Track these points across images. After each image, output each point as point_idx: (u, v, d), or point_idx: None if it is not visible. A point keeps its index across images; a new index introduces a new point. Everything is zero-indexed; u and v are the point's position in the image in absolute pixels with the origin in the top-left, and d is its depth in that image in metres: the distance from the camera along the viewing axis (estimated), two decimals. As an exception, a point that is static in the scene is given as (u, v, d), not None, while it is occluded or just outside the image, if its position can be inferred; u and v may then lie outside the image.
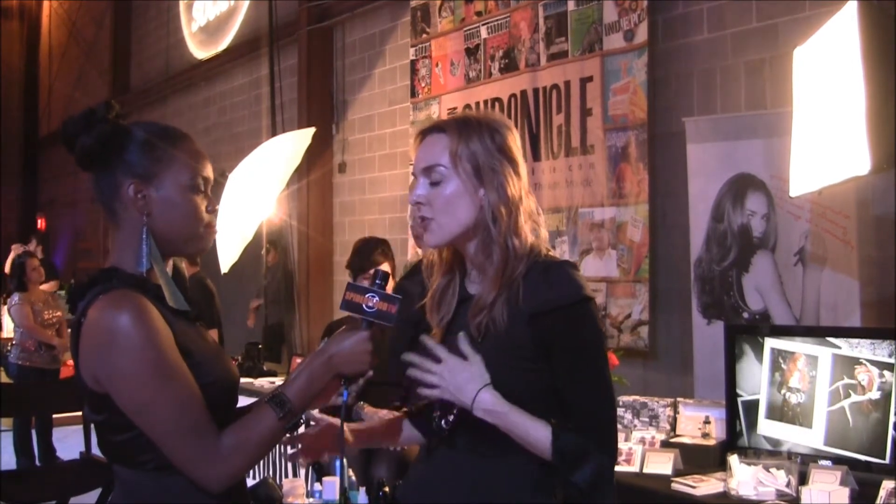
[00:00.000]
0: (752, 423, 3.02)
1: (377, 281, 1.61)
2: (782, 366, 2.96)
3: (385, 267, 3.68)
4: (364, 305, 1.58)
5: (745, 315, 3.78)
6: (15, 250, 9.10)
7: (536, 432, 1.55)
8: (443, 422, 1.66)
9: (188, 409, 1.48)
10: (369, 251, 3.69)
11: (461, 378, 1.56)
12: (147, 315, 1.48)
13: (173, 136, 1.61)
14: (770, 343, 3.01)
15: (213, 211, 1.64)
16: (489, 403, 1.55)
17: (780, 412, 2.95)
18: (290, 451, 1.78)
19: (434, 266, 1.73)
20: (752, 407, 3.02)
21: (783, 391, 2.94)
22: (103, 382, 1.48)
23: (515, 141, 1.66)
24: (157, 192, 1.57)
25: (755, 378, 3.02)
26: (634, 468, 3.02)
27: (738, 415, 3.05)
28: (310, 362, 1.58)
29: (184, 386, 1.48)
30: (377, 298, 1.58)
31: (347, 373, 1.58)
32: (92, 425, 1.70)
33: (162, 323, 1.50)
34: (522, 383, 1.59)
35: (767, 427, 2.98)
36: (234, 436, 1.50)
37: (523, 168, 1.66)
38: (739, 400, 3.05)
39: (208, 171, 1.63)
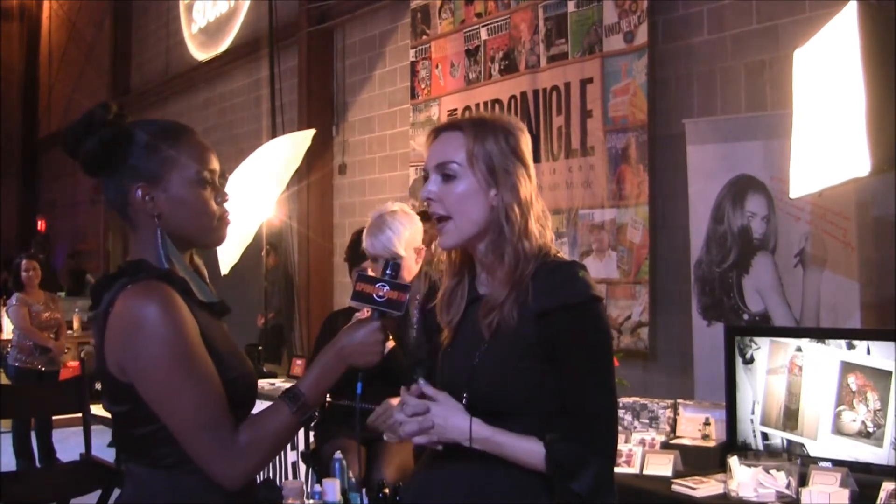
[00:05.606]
0: (752, 430, 2.99)
1: (387, 271, 1.62)
2: (781, 371, 2.94)
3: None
4: (374, 295, 1.59)
5: (746, 316, 3.78)
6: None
7: (528, 446, 1.55)
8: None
9: (210, 402, 1.48)
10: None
11: (449, 422, 1.56)
12: (175, 306, 1.49)
13: (175, 134, 1.60)
14: (768, 348, 2.98)
15: (223, 202, 1.64)
16: (481, 432, 1.55)
17: (778, 419, 2.93)
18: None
19: (444, 267, 1.74)
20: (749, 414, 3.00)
21: (782, 397, 2.93)
22: (128, 371, 1.48)
23: (527, 144, 1.67)
24: (166, 193, 1.57)
25: (753, 384, 3.00)
26: (634, 470, 3.02)
27: (737, 421, 3.02)
28: (322, 355, 1.60)
29: (207, 379, 1.49)
30: (387, 288, 1.59)
31: (359, 364, 1.59)
32: (92, 427, 1.70)
33: (189, 315, 1.51)
34: (532, 383, 1.59)
35: (767, 433, 2.96)
36: (250, 432, 1.51)
37: (533, 171, 1.67)
38: (738, 407, 3.02)
39: (214, 163, 1.63)
